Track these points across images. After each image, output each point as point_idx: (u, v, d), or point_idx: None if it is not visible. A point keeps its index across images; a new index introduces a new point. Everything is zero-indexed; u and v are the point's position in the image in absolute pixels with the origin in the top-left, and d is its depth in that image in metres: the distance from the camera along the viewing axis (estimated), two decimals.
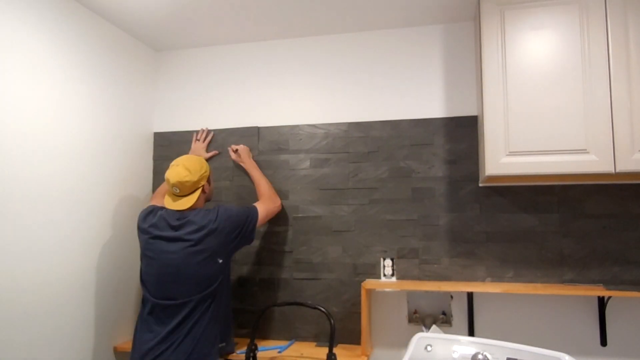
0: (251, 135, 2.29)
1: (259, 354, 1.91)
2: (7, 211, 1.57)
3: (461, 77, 2.09)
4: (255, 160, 2.26)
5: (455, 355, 1.48)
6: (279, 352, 1.96)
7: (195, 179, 1.82)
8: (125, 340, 2.14)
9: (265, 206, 2.00)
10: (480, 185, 2.01)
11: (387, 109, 2.15)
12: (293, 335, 2.15)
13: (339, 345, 2.07)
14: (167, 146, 2.39)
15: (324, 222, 2.17)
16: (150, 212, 1.87)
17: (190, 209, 1.84)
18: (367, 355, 1.90)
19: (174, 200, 1.84)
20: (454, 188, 2.04)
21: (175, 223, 1.79)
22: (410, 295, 2.05)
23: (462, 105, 2.07)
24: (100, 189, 2.01)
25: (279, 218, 2.21)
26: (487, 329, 1.96)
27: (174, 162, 1.85)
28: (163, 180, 2.35)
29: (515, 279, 1.95)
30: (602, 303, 1.84)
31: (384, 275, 2.08)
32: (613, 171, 1.60)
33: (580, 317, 1.89)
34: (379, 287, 1.92)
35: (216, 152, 2.31)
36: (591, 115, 1.63)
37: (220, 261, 1.78)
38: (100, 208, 2.01)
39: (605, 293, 1.71)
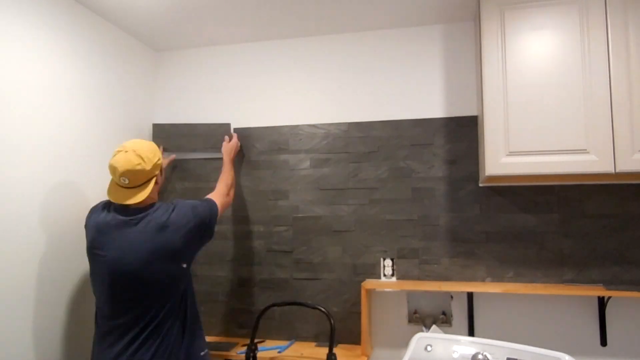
0: (247, 136, 2.29)
1: (259, 354, 1.91)
2: (7, 208, 1.57)
3: (461, 77, 2.09)
4: (255, 160, 2.26)
5: (455, 355, 1.48)
6: (279, 352, 1.96)
7: (148, 167, 1.55)
8: None
9: (221, 199, 1.79)
10: (480, 185, 2.01)
11: (387, 109, 2.15)
12: (293, 335, 2.15)
13: (339, 345, 2.07)
14: (167, 147, 2.39)
15: (324, 222, 2.17)
16: (96, 209, 1.63)
17: (142, 204, 1.58)
18: (367, 355, 1.90)
19: (122, 194, 1.55)
20: (454, 188, 2.04)
21: (131, 219, 1.52)
22: (410, 295, 2.05)
23: (462, 105, 2.07)
24: (100, 189, 2.01)
25: (279, 218, 2.21)
26: (487, 329, 1.96)
27: (120, 148, 1.57)
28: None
29: (515, 279, 1.95)
30: (602, 303, 1.84)
31: (384, 275, 2.08)
32: (613, 171, 1.60)
33: (580, 317, 1.89)
34: (379, 287, 1.92)
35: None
36: (591, 115, 1.63)
37: (184, 266, 1.56)
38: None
39: (605, 293, 1.71)
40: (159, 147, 2.14)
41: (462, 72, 2.09)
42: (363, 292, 1.92)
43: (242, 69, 2.35)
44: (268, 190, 2.24)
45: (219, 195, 1.82)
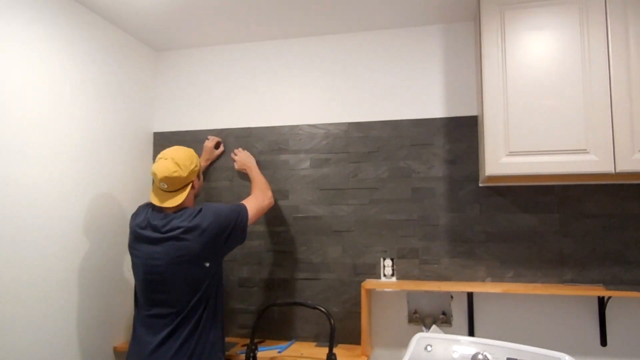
0: (247, 136, 2.29)
1: (259, 354, 1.91)
2: (5, 211, 1.57)
3: (461, 77, 2.09)
4: (255, 160, 2.26)
5: (455, 355, 1.48)
6: (279, 352, 1.96)
7: (185, 174, 1.69)
8: (124, 340, 2.14)
9: (255, 202, 1.86)
10: (480, 185, 2.01)
11: (387, 109, 2.15)
12: (293, 335, 2.15)
13: (339, 345, 2.07)
14: (167, 146, 2.39)
15: (324, 222, 2.17)
16: (139, 211, 1.78)
17: (179, 207, 1.72)
18: (367, 355, 1.90)
19: (162, 197, 1.70)
20: (454, 188, 2.04)
21: (160, 224, 1.66)
22: (410, 295, 2.05)
23: (462, 105, 2.07)
24: (100, 189, 2.01)
25: (279, 218, 2.21)
26: (487, 329, 1.96)
27: (161, 155, 1.72)
28: None
29: (515, 279, 1.95)
30: (602, 303, 1.84)
31: (384, 275, 2.08)
32: (613, 171, 1.60)
33: (580, 317, 1.89)
34: (379, 287, 1.92)
35: (222, 150, 2.30)
36: (591, 115, 1.63)
37: (207, 265, 1.66)
38: (100, 208, 2.00)
39: (605, 293, 1.71)
40: (217, 142, 2.30)
41: (462, 72, 2.09)
42: (363, 292, 1.92)
43: (242, 69, 2.35)
44: None
45: (253, 198, 1.89)
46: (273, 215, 2.22)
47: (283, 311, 2.17)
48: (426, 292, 2.03)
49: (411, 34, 2.16)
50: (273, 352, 1.95)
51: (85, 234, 1.91)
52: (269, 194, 1.99)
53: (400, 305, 2.06)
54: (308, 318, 2.14)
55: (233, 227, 1.72)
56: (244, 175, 2.26)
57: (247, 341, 2.13)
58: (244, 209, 1.78)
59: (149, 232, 1.66)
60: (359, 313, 2.08)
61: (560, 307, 1.91)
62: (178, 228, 1.63)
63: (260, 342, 2.11)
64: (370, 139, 2.15)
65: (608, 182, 1.89)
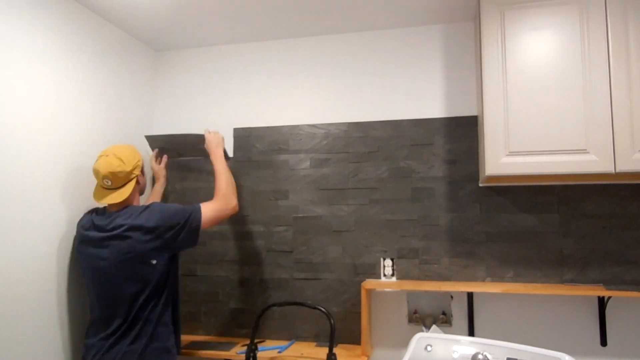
0: (247, 136, 2.29)
1: (259, 354, 1.91)
2: (5, 210, 1.57)
3: (461, 77, 2.09)
4: (255, 160, 2.26)
5: (455, 355, 1.48)
6: (279, 352, 1.96)
7: (128, 168, 1.67)
8: None
9: (213, 206, 1.76)
10: (480, 185, 2.01)
11: (387, 109, 2.15)
12: (293, 335, 2.15)
13: (339, 345, 2.07)
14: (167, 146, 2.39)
15: (324, 222, 2.17)
16: (83, 216, 1.77)
17: (124, 203, 1.70)
18: (367, 355, 1.90)
19: (105, 195, 1.67)
20: (454, 188, 2.04)
21: (103, 223, 1.65)
22: (410, 295, 2.05)
23: (462, 105, 2.07)
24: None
25: (279, 218, 2.21)
26: (487, 329, 1.96)
27: (102, 153, 1.70)
28: None
29: (515, 279, 1.95)
30: (602, 303, 1.84)
31: (384, 275, 2.08)
32: (613, 171, 1.60)
33: (580, 317, 1.89)
34: (379, 287, 1.92)
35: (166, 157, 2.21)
36: (591, 115, 1.63)
37: (154, 262, 1.64)
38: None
39: (605, 293, 1.71)
40: (154, 150, 2.22)
41: (462, 72, 2.09)
42: (363, 292, 1.92)
43: (242, 69, 2.35)
44: (268, 190, 2.24)
45: (213, 203, 1.78)
46: (273, 215, 2.22)
47: (283, 311, 2.17)
48: (426, 292, 2.03)
49: (411, 34, 2.16)
50: (273, 352, 1.95)
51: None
52: (233, 201, 1.83)
53: (400, 305, 2.06)
54: (308, 318, 2.14)
55: (181, 227, 1.67)
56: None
57: (247, 341, 2.13)
58: (196, 210, 1.71)
59: (93, 233, 1.65)
60: (359, 313, 2.08)
61: (560, 307, 1.91)
62: (122, 226, 1.61)
63: (260, 342, 2.11)
64: (370, 139, 2.15)
65: (608, 182, 1.89)
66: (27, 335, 1.62)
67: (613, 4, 1.64)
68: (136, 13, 2.02)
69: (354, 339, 2.07)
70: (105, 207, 1.76)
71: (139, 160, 1.74)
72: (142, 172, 1.80)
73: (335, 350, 1.98)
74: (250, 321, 2.20)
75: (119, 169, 1.66)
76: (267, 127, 2.28)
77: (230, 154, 2.30)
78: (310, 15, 2.05)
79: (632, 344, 1.84)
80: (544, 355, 1.37)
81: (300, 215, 2.20)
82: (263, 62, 2.33)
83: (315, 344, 2.09)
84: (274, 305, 1.88)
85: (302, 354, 1.93)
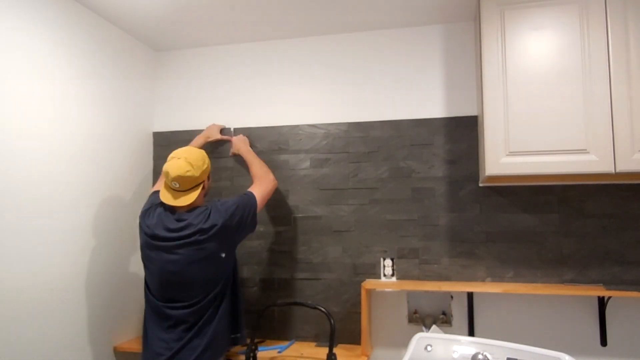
0: (247, 136, 2.29)
1: (259, 354, 1.91)
2: (6, 211, 1.57)
3: (461, 77, 2.09)
4: None
5: (455, 355, 1.48)
6: (279, 352, 1.96)
7: (197, 174, 1.71)
8: (124, 340, 2.14)
9: (260, 188, 1.89)
10: (480, 185, 2.01)
11: (387, 109, 2.15)
12: (293, 335, 2.15)
13: (339, 345, 2.07)
14: (167, 146, 2.39)
15: (324, 222, 2.17)
16: (149, 209, 1.79)
17: (190, 206, 1.74)
18: (367, 355, 1.90)
19: (173, 196, 1.72)
20: (454, 188, 2.04)
21: (174, 226, 1.69)
22: (410, 295, 2.05)
23: (462, 105, 2.07)
24: (100, 189, 2.01)
25: (279, 218, 2.21)
26: (487, 329, 1.96)
27: (174, 154, 1.74)
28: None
29: (515, 279, 1.95)
30: (602, 303, 1.84)
31: (384, 275, 2.08)
32: (613, 171, 1.60)
33: (580, 317, 1.89)
34: (379, 287, 1.92)
35: (229, 138, 2.27)
36: (591, 115, 1.63)
37: (223, 255, 1.72)
38: (100, 208, 2.00)
39: (605, 293, 1.71)
40: (221, 128, 2.31)
41: (462, 72, 2.09)
42: (363, 292, 1.92)
43: (242, 69, 2.35)
44: None
45: (258, 184, 1.91)
46: (273, 215, 2.22)
47: (283, 311, 2.17)
48: (426, 292, 2.03)
49: (411, 34, 2.16)
50: (273, 352, 1.95)
51: (84, 233, 1.91)
52: (271, 176, 1.99)
53: (400, 305, 2.06)
54: (308, 318, 2.14)
55: (244, 218, 1.76)
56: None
57: (247, 341, 2.12)
58: (252, 197, 1.82)
59: (163, 233, 1.68)
60: (359, 313, 2.08)
61: (560, 307, 1.91)
62: (194, 231, 1.67)
63: (260, 342, 2.11)
64: (370, 139, 2.15)
65: (608, 182, 1.89)
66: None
67: (613, 4, 1.64)
68: (136, 13, 2.02)
69: (354, 339, 2.07)
70: (172, 206, 1.76)
71: (207, 167, 1.78)
72: (209, 177, 1.85)
73: (335, 350, 1.98)
74: (250, 321, 2.20)
75: (188, 174, 1.68)
76: (267, 127, 2.28)
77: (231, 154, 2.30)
78: (310, 15, 2.05)
79: (632, 344, 1.84)
80: (544, 355, 1.37)
81: (300, 215, 2.20)
82: (263, 62, 2.33)
83: (315, 344, 2.09)
84: (274, 305, 1.88)
85: (302, 354, 1.93)
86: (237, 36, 2.28)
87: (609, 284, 1.87)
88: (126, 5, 1.95)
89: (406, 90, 2.14)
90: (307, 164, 2.21)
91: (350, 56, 2.22)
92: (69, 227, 1.83)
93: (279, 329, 2.17)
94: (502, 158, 1.70)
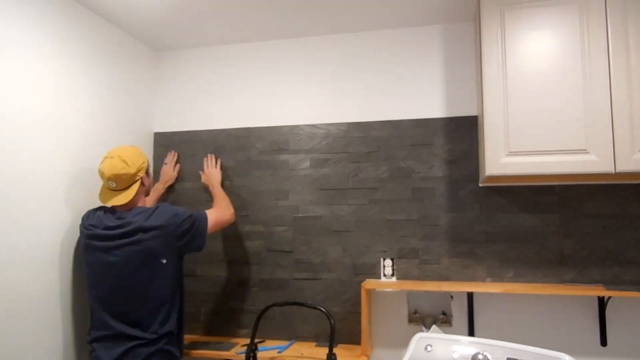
0: (247, 136, 2.29)
1: (259, 354, 1.91)
2: (5, 211, 1.57)
3: (461, 77, 2.09)
4: (255, 160, 2.27)
5: (455, 355, 1.48)
6: (279, 352, 1.96)
7: (132, 171, 1.70)
8: None
9: (217, 213, 1.89)
10: (480, 185, 2.01)
11: (387, 109, 2.15)
12: (293, 335, 2.15)
13: (339, 345, 2.07)
14: (167, 146, 2.39)
15: (324, 222, 2.17)
16: (90, 212, 1.77)
17: (129, 204, 1.72)
18: (367, 355, 1.90)
19: (111, 196, 1.70)
20: (454, 188, 2.04)
21: (113, 224, 1.66)
22: (410, 295, 2.05)
23: (462, 105, 2.07)
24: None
25: (279, 218, 2.21)
26: (487, 329, 1.96)
27: (107, 154, 1.73)
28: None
29: (515, 279, 1.95)
30: (602, 303, 1.84)
31: (384, 275, 2.08)
32: (613, 171, 1.60)
33: (580, 317, 1.89)
34: (379, 287, 1.92)
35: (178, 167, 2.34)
36: (591, 115, 1.63)
37: (164, 261, 1.67)
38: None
39: (605, 293, 1.71)
40: (170, 152, 2.36)
41: (462, 72, 2.09)
42: (363, 292, 1.92)
43: (242, 69, 2.35)
44: (268, 190, 2.24)
45: (215, 210, 1.91)
46: (273, 215, 2.22)
47: (283, 311, 2.17)
48: (426, 292, 2.03)
49: (411, 34, 2.16)
50: (273, 352, 1.95)
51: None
52: (231, 210, 2.00)
53: (400, 305, 2.06)
54: (308, 318, 2.14)
55: (189, 230, 1.73)
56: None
57: (247, 341, 2.13)
58: (203, 215, 1.81)
59: (103, 232, 1.66)
60: (359, 313, 2.08)
61: (560, 307, 1.91)
62: (133, 228, 1.64)
63: (260, 342, 2.11)
64: (370, 139, 2.15)
65: (608, 182, 1.89)
66: (30, 335, 1.63)
67: (613, 4, 1.64)
68: (136, 13, 2.02)
69: (354, 339, 2.07)
70: (112, 207, 1.76)
71: (143, 162, 1.76)
72: (147, 173, 1.81)
73: (335, 350, 1.98)
74: (250, 321, 2.20)
75: (123, 172, 1.68)
76: (267, 127, 2.28)
77: (230, 154, 2.30)
78: (310, 15, 2.05)
79: (632, 344, 1.84)
80: (544, 355, 1.37)
81: (300, 215, 2.20)
82: (263, 62, 2.33)
83: (315, 344, 2.09)
84: (274, 305, 1.88)
85: (302, 354, 1.93)
86: (237, 36, 2.28)
87: (609, 284, 1.87)
88: (126, 5, 1.95)
89: (406, 90, 2.14)
90: (307, 164, 2.21)
91: (350, 56, 2.22)
92: (69, 226, 1.83)
93: (279, 329, 2.17)
94: (502, 158, 1.70)
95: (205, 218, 1.80)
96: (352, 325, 2.09)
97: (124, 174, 1.69)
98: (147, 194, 1.86)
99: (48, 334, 1.71)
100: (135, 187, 1.72)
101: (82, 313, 1.87)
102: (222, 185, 2.23)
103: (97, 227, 1.69)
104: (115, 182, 1.69)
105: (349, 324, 2.09)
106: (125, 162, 1.69)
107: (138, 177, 1.74)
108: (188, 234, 1.73)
